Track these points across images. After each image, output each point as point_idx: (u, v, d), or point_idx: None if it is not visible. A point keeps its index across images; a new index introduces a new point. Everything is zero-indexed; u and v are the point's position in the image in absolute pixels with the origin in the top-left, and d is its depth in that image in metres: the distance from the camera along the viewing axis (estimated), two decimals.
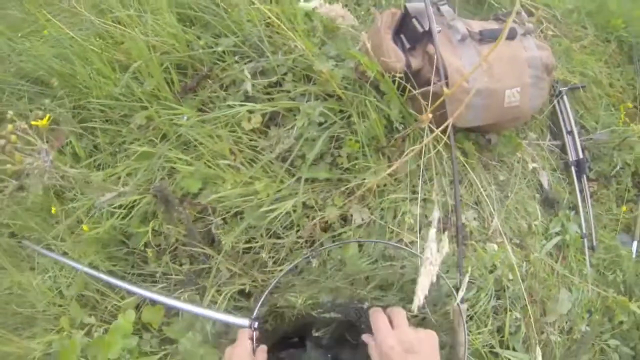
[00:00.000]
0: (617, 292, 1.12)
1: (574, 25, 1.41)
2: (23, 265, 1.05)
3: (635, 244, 1.22)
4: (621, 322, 1.13)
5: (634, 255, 1.21)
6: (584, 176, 1.14)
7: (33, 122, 0.66)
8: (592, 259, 1.10)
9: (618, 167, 1.21)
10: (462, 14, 1.16)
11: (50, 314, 0.97)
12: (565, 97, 1.19)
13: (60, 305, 0.98)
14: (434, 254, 0.62)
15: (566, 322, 1.01)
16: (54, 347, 0.91)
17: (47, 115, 0.69)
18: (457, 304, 0.71)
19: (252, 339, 0.65)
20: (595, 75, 1.30)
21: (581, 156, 1.14)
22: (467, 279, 0.70)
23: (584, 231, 1.10)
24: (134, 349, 0.83)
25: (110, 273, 0.94)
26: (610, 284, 1.12)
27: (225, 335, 0.77)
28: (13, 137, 0.59)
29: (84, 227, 0.92)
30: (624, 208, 1.23)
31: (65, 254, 1.01)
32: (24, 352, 0.91)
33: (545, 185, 1.06)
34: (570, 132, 1.16)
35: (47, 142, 0.62)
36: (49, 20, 1.09)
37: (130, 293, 0.88)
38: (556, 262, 1.02)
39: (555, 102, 1.19)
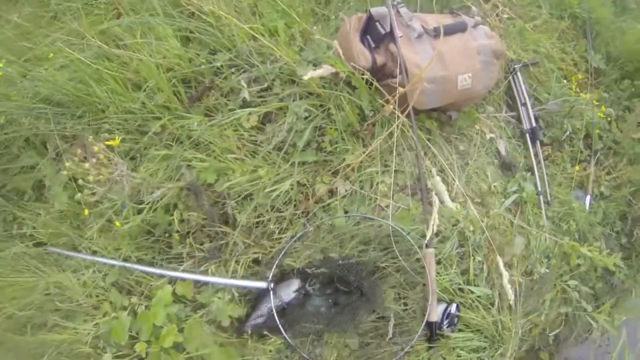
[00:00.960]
0: (572, 239, 1.41)
1: (528, 6, 1.68)
2: (52, 269, 1.29)
3: (588, 197, 1.51)
4: (579, 265, 1.43)
5: (587, 208, 1.50)
6: (538, 142, 1.43)
7: (107, 143, 0.91)
8: (547, 213, 1.39)
9: (569, 132, 1.49)
10: (426, 7, 1.42)
11: (89, 305, 1.21)
12: (519, 74, 1.46)
13: (97, 296, 1.22)
14: None
15: (527, 266, 1.30)
16: (102, 329, 1.16)
17: (117, 137, 0.94)
18: (425, 248, 0.99)
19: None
20: (547, 51, 1.57)
21: (534, 124, 1.42)
22: (431, 227, 0.98)
23: (540, 189, 1.39)
24: (174, 315, 1.09)
25: (140, 261, 1.19)
26: (565, 232, 1.41)
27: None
28: (101, 156, 0.85)
29: (117, 223, 1.17)
30: (577, 167, 1.52)
31: (94, 252, 1.26)
32: (76, 338, 1.15)
33: (503, 151, 1.34)
34: (524, 104, 1.44)
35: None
36: (56, 45, 1.33)
37: (162, 276, 1.14)
38: (514, 216, 1.30)
39: (510, 78, 1.46)
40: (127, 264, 1.17)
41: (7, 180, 1.49)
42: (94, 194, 0.91)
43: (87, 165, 0.85)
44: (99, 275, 1.23)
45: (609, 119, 1.62)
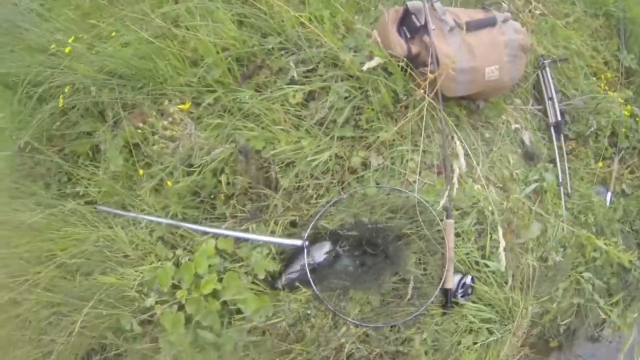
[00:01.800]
0: (590, 232, 1.55)
1: (562, 3, 1.82)
2: (103, 225, 1.52)
3: (609, 194, 1.65)
4: (594, 258, 1.57)
5: (608, 204, 1.64)
6: (562, 135, 1.57)
7: (179, 106, 1.14)
8: (567, 204, 1.54)
9: (594, 128, 1.63)
10: (461, 2, 1.59)
11: (136, 256, 1.44)
12: (547, 69, 1.61)
13: (143, 249, 1.43)
14: None
15: (542, 252, 1.46)
16: (147, 276, 1.38)
17: (188, 102, 1.17)
18: (445, 219, 1.17)
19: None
20: (577, 48, 1.71)
21: (560, 118, 1.57)
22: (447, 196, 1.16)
23: (561, 180, 1.54)
24: (214, 267, 1.31)
25: (186, 219, 1.41)
26: (583, 225, 1.56)
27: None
28: (176, 115, 1.07)
29: (169, 182, 1.40)
30: (600, 164, 1.66)
31: (142, 210, 1.48)
32: (123, 282, 1.37)
33: (527, 142, 1.50)
34: (551, 98, 1.59)
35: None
36: (117, 25, 1.57)
37: (205, 233, 1.35)
38: (534, 204, 1.46)
39: (539, 72, 1.61)
40: (174, 222, 1.40)
41: (66, 144, 1.75)
42: (167, 147, 1.13)
43: (165, 122, 1.08)
44: (146, 231, 1.45)
45: (637, 118, 1.74)
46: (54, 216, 1.53)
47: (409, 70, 1.27)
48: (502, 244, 1.21)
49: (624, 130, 1.72)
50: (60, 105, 1.66)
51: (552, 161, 1.56)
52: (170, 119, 1.09)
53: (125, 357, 1.44)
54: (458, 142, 1.23)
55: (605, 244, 1.53)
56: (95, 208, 1.55)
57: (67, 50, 1.60)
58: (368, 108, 1.23)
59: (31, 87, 1.72)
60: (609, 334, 1.77)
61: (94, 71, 1.56)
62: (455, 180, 1.18)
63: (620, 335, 1.75)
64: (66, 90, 1.64)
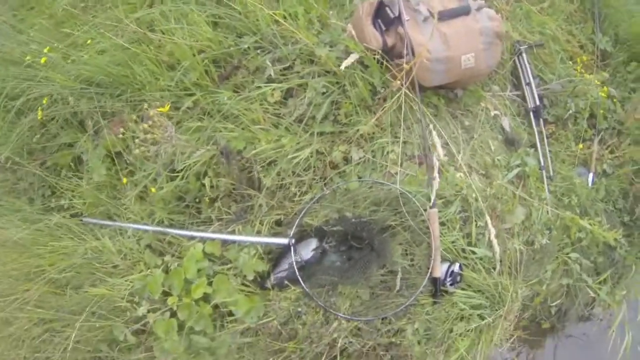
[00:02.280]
0: (574, 214, 1.58)
1: None
2: (90, 237, 1.51)
3: (591, 175, 1.68)
4: (580, 239, 1.60)
5: (590, 185, 1.67)
6: (541, 119, 1.60)
7: (159, 109, 1.13)
8: (550, 187, 1.57)
9: (572, 111, 1.66)
10: None
11: (125, 266, 1.43)
12: (524, 54, 1.63)
13: (132, 258, 1.43)
14: None
15: (528, 235, 1.48)
16: (137, 285, 1.37)
17: (167, 104, 1.16)
18: (429, 209, 1.19)
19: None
20: (552, 33, 1.74)
21: (538, 103, 1.60)
22: (435, 188, 1.17)
23: (542, 164, 1.56)
24: (204, 270, 1.31)
25: (172, 225, 1.41)
26: (567, 206, 1.59)
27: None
28: (155, 118, 1.07)
29: (152, 189, 1.40)
30: (580, 146, 1.69)
31: (128, 219, 1.47)
32: (114, 293, 1.36)
33: (507, 127, 1.52)
34: (529, 84, 1.61)
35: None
36: (93, 32, 1.56)
37: (192, 238, 1.35)
38: (517, 188, 1.48)
39: (515, 58, 1.63)
40: (160, 228, 1.39)
41: (47, 157, 1.73)
42: (148, 151, 1.13)
43: (145, 125, 1.08)
44: (134, 240, 1.45)
45: (614, 99, 1.78)
46: (40, 231, 1.52)
47: (385, 62, 1.28)
48: (492, 231, 1.23)
49: (602, 111, 1.75)
50: (39, 117, 1.64)
51: (533, 145, 1.59)
52: (150, 122, 1.09)
53: None
54: (434, 132, 1.24)
55: (590, 224, 1.56)
56: (81, 220, 1.54)
57: (42, 60, 1.58)
58: (346, 102, 1.24)
59: (8, 100, 1.70)
60: (599, 312, 1.81)
61: (71, 81, 1.55)
62: (435, 171, 1.19)
63: (611, 313, 1.79)
64: (44, 102, 1.63)
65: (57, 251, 1.45)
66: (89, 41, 1.60)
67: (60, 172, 1.70)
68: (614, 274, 1.71)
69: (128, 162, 1.50)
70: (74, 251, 1.45)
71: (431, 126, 1.26)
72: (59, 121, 1.65)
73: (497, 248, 1.28)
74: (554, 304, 1.63)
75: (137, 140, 1.15)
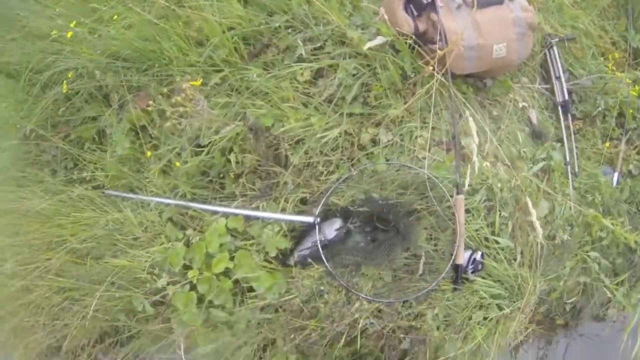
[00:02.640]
0: (597, 212, 1.56)
1: None
2: (112, 208, 1.52)
3: (616, 174, 1.66)
4: (601, 238, 1.58)
5: (614, 184, 1.65)
6: (570, 115, 1.58)
7: (191, 83, 1.14)
8: (574, 183, 1.55)
9: (601, 108, 1.64)
10: None
11: (146, 238, 1.45)
12: (555, 48, 1.62)
13: (153, 230, 1.44)
14: None
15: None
16: (158, 257, 1.38)
17: (199, 78, 1.17)
18: (455, 195, 1.18)
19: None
20: (585, 28, 1.72)
21: (567, 98, 1.58)
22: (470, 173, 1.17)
23: (568, 159, 1.55)
24: (225, 245, 1.32)
25: (195, 200, 1.42)
26: (590, 204, 1.57)
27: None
28: (188, 91, 1.08)
29: (177, 163, 1.41)
30: (607, 144, 1.67)
31: (151, 192, 1.49)
32: (134, 264, 1.38)
33: (534, 120, 1.51)
34: (558, 77, 1.60)
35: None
36: (119, 8, 1.56)
37: (215, 212, 1.36)
38: (541, 182, 1.47)
39: (546, 51, 1.61)
40: (183, 202, 1.40)
41: (71, 130, 1.76)
42: (180, 123, 1.14)
43: (178, 98, 1.09)
44: (155, 213, 1.46)
45: None
46: (62, 202, 1.54)
47: (416, 47, 1.27)
48: (534, 214, 1.21)
49: (631, 111, 1.73)
50: (64, 91, 1.66)
51: (560, 140, 1.57)
52: (182, 95, 1.10)
53: (137, 338, 1.46)
54: (471, 118, 1.24)
55: (612, 224, 1.55)
56: (103, 192, 1.56)
57: (69, 35, 1.59)
58: (376, 85, 1.24)
59: (34, 74, 1.72)
60: (613, 314, 1.79)
61: (98, 55, 1.56)
62: (474, 157, 1.19)
63: (625, 316, 1.77)
64: (69, 75, 1.65)
65: (78, 222, 1.48)
66: (115, 16, 1.60)
67: (83, 145, 1.72)
68: (631, 276, 1.70)
69: (152, 136, 1.51)
70: (95, 222, 1.47)
71: (467, 113, 1.25)
72: (84, 95, 1.67)
73: (539, 230, 1.26)
74: (569, 300, 1.63)
75: (168, 113, 1.16)
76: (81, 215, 1.48)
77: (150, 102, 1.41)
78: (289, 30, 1.31)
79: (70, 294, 1.45)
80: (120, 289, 1.35)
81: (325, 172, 1.22)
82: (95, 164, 1.63)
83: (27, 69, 1.71)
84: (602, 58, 1.75)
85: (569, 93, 1.60)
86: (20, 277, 1.49)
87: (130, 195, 1.50)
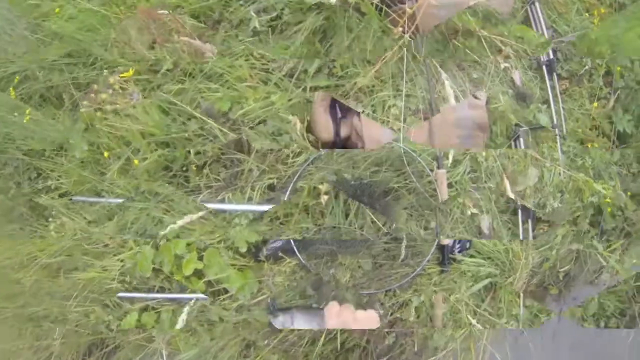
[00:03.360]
0: (587, 176, 1.43)
1: None
2: (78, 217, 1.39)
3: None
4: (593, 203, 1.46)
5: None
6: (555, 74, 1.43)
7: (121, 75, 0.98)
8: (563, 147, 1.41)
9: (588, 67, 1.49)
10: None
11: (115, 244, 1.32)
12: (537, 3, 1.45)
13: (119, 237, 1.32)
14: None
15: (540, 198, 1.34)
16: (127, 264, 1.26)
17: (131, 69, 1.01)
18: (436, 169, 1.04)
19: None
20: None
21: (551, 57, 1.42)
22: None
23: (555, 122, 1.40)
24: (193, 245, 1.19)
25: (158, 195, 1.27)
26: (580, 168, 1.44)
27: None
28: (116, 86, 0.92)
29: (135, 161, 1.26)
30: (595, 104, 1.52)
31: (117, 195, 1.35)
32: (104, 275, 1.26)
33: (518, 82, 1.36)
34: (542, 35, 1.43)
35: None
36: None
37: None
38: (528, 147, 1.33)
39: (528, 7, 1.45)
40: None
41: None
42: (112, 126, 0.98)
43: (103, 95, 0.92)
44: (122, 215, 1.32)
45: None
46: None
47: (384, 8, 1.11)
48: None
49: (619, 68, 1.57)
50: (12, 96, 1.49)
51: (546, 102, 1.43)
52: (110, 91, 0.92)
53: (122, 349, 1.37)
54: (447, 82, 1.08)
55: (604, 188, 1.42)
56: (70, 199, 1.43)
57: None
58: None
59: None
60: (607, 278, 1.70)
61: (40, 54, 1.38)
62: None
63: (618, 280, 1.68)
64: (16, 80, 1.47)
65: (45, 236, 1.36)
66: (57, 10, 1.43)
67: (44, 153, 1.58)
68: (624, 240, 1.59)
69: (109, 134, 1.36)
70: (62, 235, 1.35)
71: (443, 76, 1.09)
72: (35, 99, 1.51)
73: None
74: (562, 269, 1.52)
75: (98, 113, 0.99)
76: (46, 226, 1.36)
77: (103, 97, 1.25)
78: (241, 2, 1.14)
79: (46, 312, 1.34)
80: (94, 303, 1.26)
81: (291, 155, 1.07)
82: (52, 171, 1.49)
83: None
84: (587, 14, 1.59)
85: (554, 51, 1.45)
86: None
87: (97, 199, 1.37)
